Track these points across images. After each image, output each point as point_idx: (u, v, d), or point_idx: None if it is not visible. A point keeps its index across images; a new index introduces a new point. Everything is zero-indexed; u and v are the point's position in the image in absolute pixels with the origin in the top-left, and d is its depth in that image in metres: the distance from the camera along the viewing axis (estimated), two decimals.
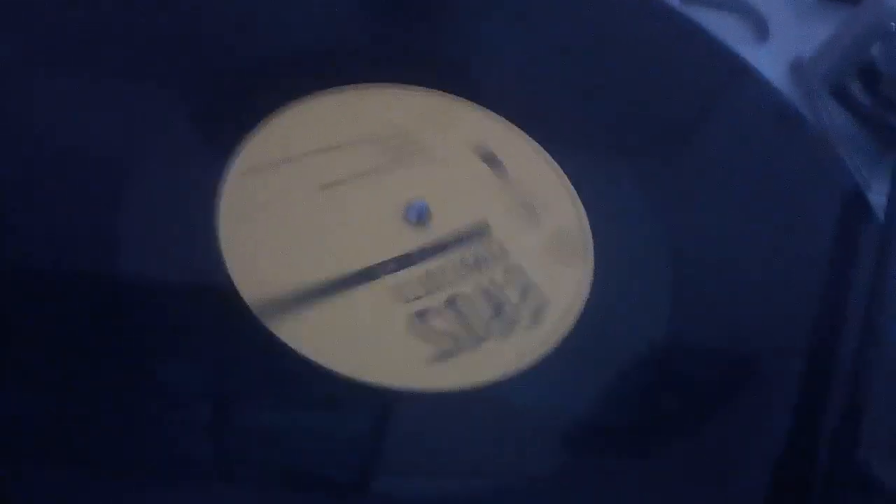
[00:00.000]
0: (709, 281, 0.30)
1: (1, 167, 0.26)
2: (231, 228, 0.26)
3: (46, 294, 0.24)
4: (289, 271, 0.26)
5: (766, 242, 0.31)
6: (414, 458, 0.24)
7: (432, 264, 0.27)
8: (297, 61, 0.32)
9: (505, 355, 0.26)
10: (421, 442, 0.24)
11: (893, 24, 0.36)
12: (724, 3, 0.41)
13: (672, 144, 0.34)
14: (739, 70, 0.36)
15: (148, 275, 0.25)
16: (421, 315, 0.26)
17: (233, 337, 0.25)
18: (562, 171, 0.31)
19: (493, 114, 0.32)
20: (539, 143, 0.32)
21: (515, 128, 0.32)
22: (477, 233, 0.28)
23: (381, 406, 0.25)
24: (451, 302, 0.27)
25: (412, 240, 0.28)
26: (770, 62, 0.38)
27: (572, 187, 0.31)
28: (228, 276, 0.25)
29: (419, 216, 0.28)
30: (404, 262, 0.27)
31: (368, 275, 0.27)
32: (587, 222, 0.30)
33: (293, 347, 0.24)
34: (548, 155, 0.32)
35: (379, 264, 0.27)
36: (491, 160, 0.30)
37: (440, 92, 0.32)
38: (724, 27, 0.38)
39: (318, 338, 0.25)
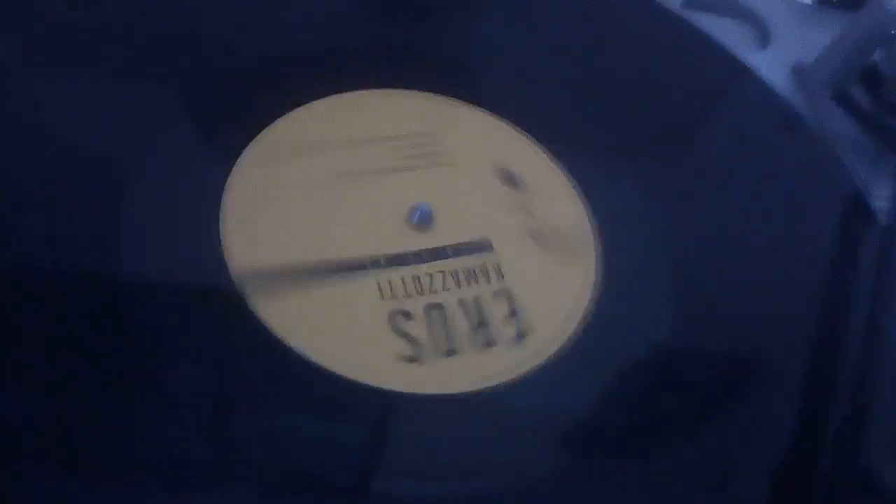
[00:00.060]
0: (711, 284, 0.30)
1: (4, 168, 0.26)
2: (235, 215, 0.27)
3: (48, 295, 0.24)
4: (280, 250, 0.26)
5: (768, 245, 0.31)
6: (412, 461, 0.24)
7: (423, 269, 0.27)
8: (322, 61, 0.32)
9: (482, 368, 0.26)
10: (420, 445, 0.24)
11: (894, 30, 0.36)
12: (725, 8, 0.41)
13: (674, 149, 0.34)
14: (741, 74, 0.36)
15: (150, 275, 0.25)
16: (397, 315, 0.26)
17: (234, 338, 0.25)
18: (568, 174, 0.31)
19: (516, 130, 0.32)
20: (543, 145, 0.32)
21: (533, 143, 0.32)
22: (477, 248, 0.28)
23: (377, 407, 0.25)
24: (431, 309, 0.26)
25: (410, 241, 0.28)
26: (771, 67, 0.38)
27: (576, 189, 0.31)
28: (231, 278, 0.25)
29: (421, 219, 0.28)
30: (396, 261, 0.27)
31: (357, 267, 0.27)
32: (590, 224, 0.30)
33: (265, 324, 0.25)
34: (553, 159, 0.32)
35: (370, 259, 0.27)
36: (512, 181, 0.30)
37: (471, 104, 0.32)
38: (726, 32, 0.38)
39: (292, 319, 0.25)
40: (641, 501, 0.25)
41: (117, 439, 0.22)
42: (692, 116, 0.35)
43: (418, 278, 0.27)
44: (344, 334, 0.25)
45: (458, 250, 0.28)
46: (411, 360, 0.25)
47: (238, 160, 0.28)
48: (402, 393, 0.24)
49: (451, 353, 0.26)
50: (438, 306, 0.26)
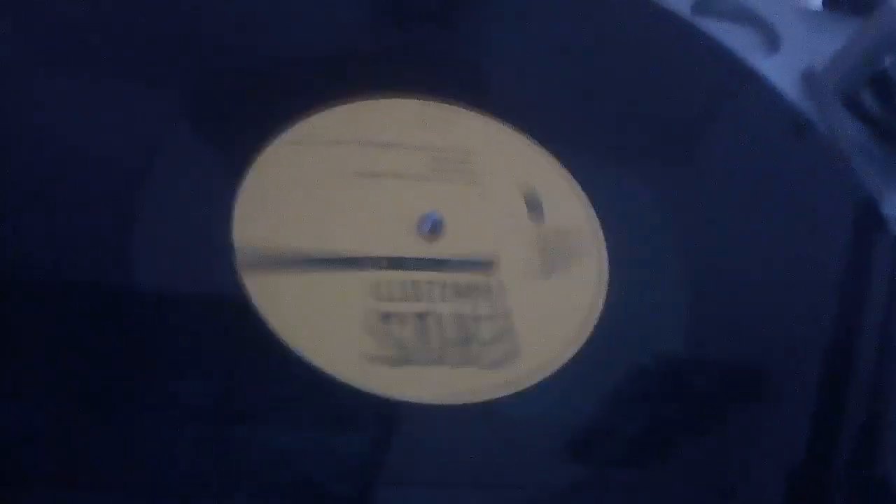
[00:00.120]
0: (721, 292, 0.30)
1: (8, 171, 0.26)
2: (252, 195, 0.27)
3: (52, 299, 0.24)
4: (287, 235, 0.27)
5: (778, 253, 0.31)
6: (409, 470, 0.24)
7: (422, 276, 0.27)
8: (359, 64, 0.32)
9: (464, 382, 0.26)
10: (419, 453, 0.24)
11: None
12: (735, 14, 0.41)
13: (685, 156, 0.34)
14: (751, 80, 0.36)
15: (156, 280, 0.25)
16: (386, 317, 0.26)
17: (239, 346, 0.25)
18: (575, 180, 0.31)
19: (548, 155, 0.32)
20: (553, 151, 0.32)
21: (561, 166, 0.32)
22: (481, 266, 0.28)
23: (383, 418, 0.25)
24: (421, 316, 0.26)
25: (415, 248, 0.28)
26: (781, 73, 0.38)
27: (584, 194, 0.31)
28: (243, 289, 0.25)
29: (431, 228, 0.28)
30: (396, 263, 0.27)
31: (357, 263, 0.27)
32: (600, 230, 0.30)
33: (254, 304, 0.25)
34: (567, 169, 0.32)
35: (371, 258, 0.27)
36: (533, 204, 0.30)
37: (512, 127, 0.32)
38: (735, 38, 0.38)
39: (282, 304, 0.25)
40: None
41: (114, 450, 0.22)
42: (703, 123, 0.35)
43: (414, 284, 0.27)
44: (326, 326, 0.25)
45: (461, 264, 0.28)
46: (387, 361, 0.25)
47: (269, 145, 0.29)
48: (401, 401, 0.25)
49: (430, 362, 0.26)
50: (427, 315, 0.26)
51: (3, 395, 0.22)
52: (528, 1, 0.37)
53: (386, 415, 0.24)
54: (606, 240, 0.30)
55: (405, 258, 0.27)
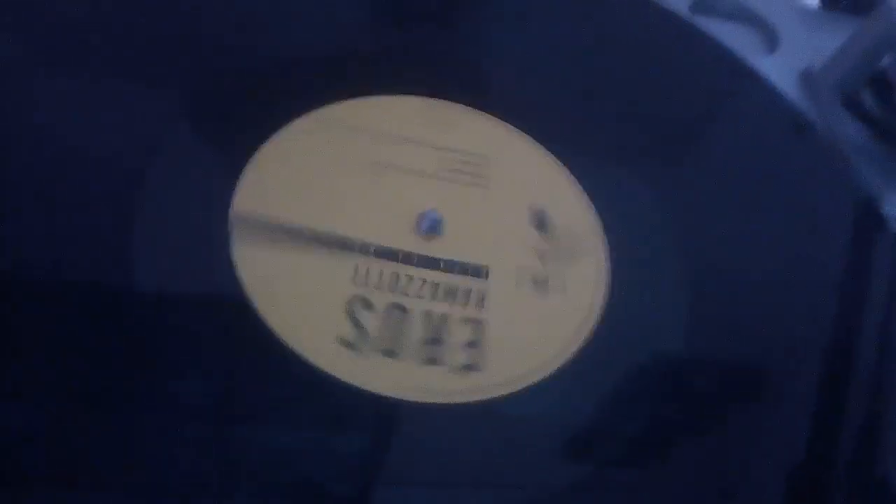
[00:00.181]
0: (722, 294, 0.30)
1: (14, 176, 0.26)
2: (261, 168, 0.28)
3: (51, 299, 0.24)
4: (285, 208, 0.27)
5: (778, 252, 0.31)
6: (409, 470, 0.24)
7: (407, 270, 0.27)
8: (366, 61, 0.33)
9: (425, 381, 0.26)
10: (418, 453, 0.24)
11: None
12: (734, 13, 0.41)
13: (684, 155, 0.34)
14: (751, 80, 0.36)
15: (160, 282, 0.25)
16: (359, 301, 0.26)
17: (239, 346, 0.25)
18: (575, 179, 0.31)
19: (565, 173, 0.32)
20: (549, 149, 0.32)
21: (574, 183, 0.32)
22: (471, 272, 0.28)
23: (382, 417, 0.25)
24: (395, 308, 0.26)
25: (410, 243, 0.28)
26: (780, 72, 0.38)
27: (585, 194, 0.31)
28: (241, 289, 0.25)
29: (428, 226, 0.28)
30: (385, 254, 0.27)
31: (346, 246, 0.27)
32: (601, 229, 0.30)
33: (236, 268, 0.25)
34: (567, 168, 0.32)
35: (361, 243, 0.27)
36: (542, 225, 0.30)
37: (532, 139, 0.32)
38: (734, 38, 0.38)
39: (262, 271, 0.26)
40: None
41: (113, 450, 0.22)
42: (702, 123, 0.35)
43: (397, 276, 0.27)
44: (301, 302, 0.26)
45: (450, 266, 0.28)
46: (350, 346, 0.25)
47: (288, 125, 0.29)
48: (400, 400, 0.25)
49: (389, 353, 0.26)
50: (402, 308, 0.26)
51: (3, 395, 0.22)
52: (527, 1, 0.37)
53: (384, 414, 0.24)
54: (606, 239, 0.30)
55: (395, 250, 0.28)
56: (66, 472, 0.21)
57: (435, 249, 0.28)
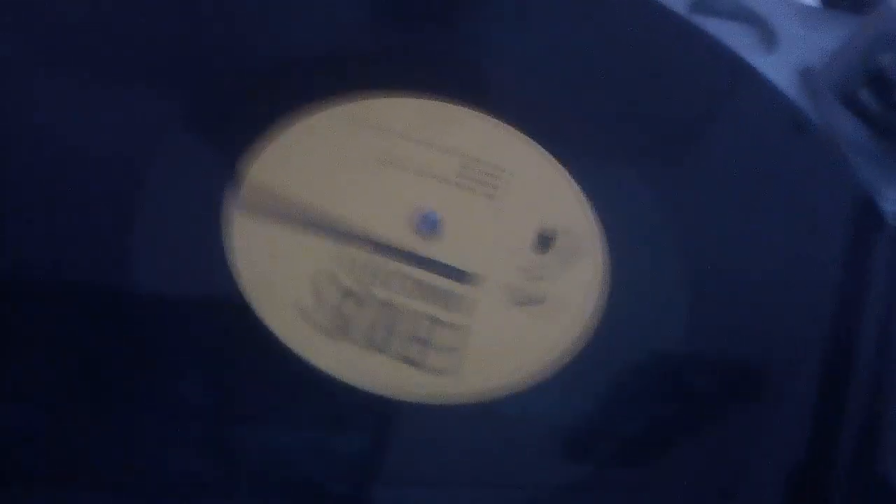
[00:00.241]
0: (721, 292, 0.30)
1: (12, 176, 0.26)
2: (275, 144, 0.29)
3: (52, 301, 0.24)
4: (289, 185, 0.28)
5: (776, 250, 0.31)
6: (409, 470, 0.24)
7: (397, 266, 0.27)
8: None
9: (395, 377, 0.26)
10: (418, 453, 0.24)
11: None
12: (732, 12, 0.41)
13: (682, 154, 0.34)
14: (750, 79, 0.36)
15: (159, 281, 0.25)
16: (341, 290, 0.26)
17: (238, 346, 0.25)
18: (574, 179, 0.31)
19: (577, 189, 0.32)
20: (548, 150, 0.32)
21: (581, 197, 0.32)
22: (460, 278, 0.28)
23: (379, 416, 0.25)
24: (378, 301, 0.26)
25: (403, 239, 0.28)
26: (778, 70, 0.38)
27: (583, 193, 0.31)
28: (238, 288, 0.25)
29: (425, 225, 0.28)
30: (378, 248, 0.27)
31: (339, 232, 0.27)
32: (599, 228, 0.30)
33: (229, 244, 0.26)
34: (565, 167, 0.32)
35: (355, 232, 0.27)
36: (544, 244, 0.29)
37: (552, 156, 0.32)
38: (732, 36, 0.38)
39: (252, 247, 0.26)
40: None
41: (111, 450, 0.22)
42: (700, 121, 0.35)
43: (381, 270, 0.27)
44: (284, 282, 0.26)
45: (443, 268, 0.28)
46: (326, 332, 0.25)
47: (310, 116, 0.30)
48: (398, 401, 0.25)
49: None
50: (385, 302, 0.26)
51: (2, 394, 0.22)
52: (527, 0, 0.37)
53: (383, 413, 0.24)
54: (606, 238, 0.30)
55: (387, 244, 0.28)
56: (64, 472, 0.21)
57: (429, 249, 0.28)
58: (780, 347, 0.29)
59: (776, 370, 0.28)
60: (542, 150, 0.32)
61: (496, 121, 0.32)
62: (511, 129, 0.32)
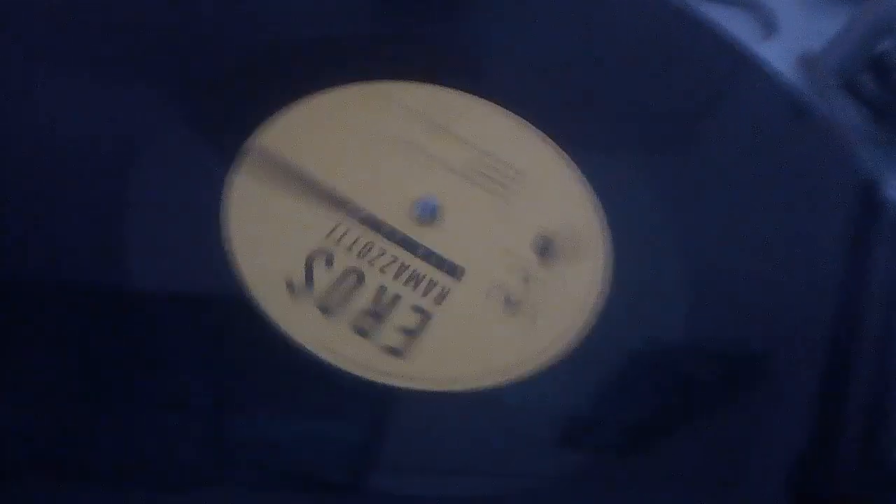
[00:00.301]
0: (722, 279, 0.30)
1: (5, 172, 0.26)
2: (292, 112, 0.29)
3: (46, 297, 0.24)
4: (297, 152, 0.28)
5: (779, 237, 0.31)
6: (407, 457, 0.24)
7: (384, 244, 0.27)
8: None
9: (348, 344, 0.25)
10: (417, 441, 0.24)
11: None
12: None
13: (684, 141, 0.34)
14: (750, 66, 0.36)
15: (155, 276, 0.25)
16: (321, 255, 0.26)
17: (237, 341, 0.25)
18: (576, 166, 0.31)
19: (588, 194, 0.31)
20: (551, 140, 0.32)
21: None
22: (447, 268, 0.28)
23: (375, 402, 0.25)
24: (350, 271, 0.26)
25: (397, 220, 0.28)
26: (778, 57, 0.38)
27: (586, 182, 0.31)
28: (237, 282, 0.25)
29: (423, 211, 0.28)
30: (370, 223, 0.28)
31: (337, 203, 0.28)
32: (602, 220, 0.30)
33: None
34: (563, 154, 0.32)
35: (352, 207, 0.28)
36: (543, 251, 0.29)
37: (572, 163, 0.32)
38: (732, 23, 0.38)
39: (245, 202, 0.27)
40: (655, 499, 0.25)
41: (109, 441, 0.22)
42: (701, 109, 0.35)
43: (371, 247, 0.27)
44: (268, 237, 0.26)
45: (428, 255, 0.28)
46: (291, 290, 0.25)
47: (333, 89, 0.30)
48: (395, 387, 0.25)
49: (325, 311, 0.25)
50: (358, 274, 0.26)
51: (1, 389, 0.22)
52: None
53: (384, 401, 0.24)
54: (607, 228, 0.30)
55: (382, 222, 0.28)
56: (57, 464, 0.21)
57: (422, 235, 0.28)
58: (784, 335, 0.28)
59: (779, 358, 0.28)
60: (555, 150, 0.31)
61: (517, 118, 0.32)
62: (528, 127, 0.32)
